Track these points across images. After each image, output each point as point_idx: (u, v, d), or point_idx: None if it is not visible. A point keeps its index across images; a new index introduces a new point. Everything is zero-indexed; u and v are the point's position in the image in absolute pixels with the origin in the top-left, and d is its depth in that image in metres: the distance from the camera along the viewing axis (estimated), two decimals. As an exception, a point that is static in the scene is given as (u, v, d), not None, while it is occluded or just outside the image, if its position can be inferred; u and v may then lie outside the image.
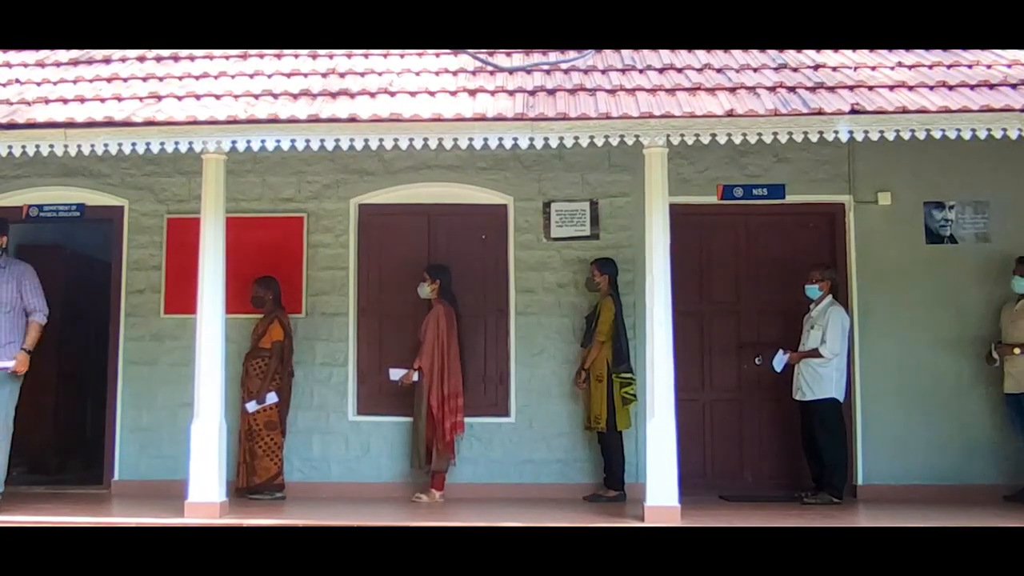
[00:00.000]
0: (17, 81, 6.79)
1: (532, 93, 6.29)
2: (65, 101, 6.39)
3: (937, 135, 5.95)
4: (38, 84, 6.70)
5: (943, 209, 7.69)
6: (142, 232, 7.95)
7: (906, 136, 5.95)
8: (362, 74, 6.65)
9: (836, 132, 5.97)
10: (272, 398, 7.36)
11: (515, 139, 6.03)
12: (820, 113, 5.91)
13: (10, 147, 6.19)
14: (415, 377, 7.23)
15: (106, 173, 7.95)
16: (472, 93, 6.33)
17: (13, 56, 7.20)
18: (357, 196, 7.91)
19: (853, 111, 5.90)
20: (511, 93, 6.31)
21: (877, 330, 7.56)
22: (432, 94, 6.32)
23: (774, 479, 7.62)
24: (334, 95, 6.32)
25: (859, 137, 5.98)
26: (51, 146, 6.15)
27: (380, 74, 6.64)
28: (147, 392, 7.79)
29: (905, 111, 5.90)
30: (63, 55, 7.15)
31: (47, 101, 6.40)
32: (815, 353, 7.09)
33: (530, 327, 7.70)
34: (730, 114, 5.93)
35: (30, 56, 7.16)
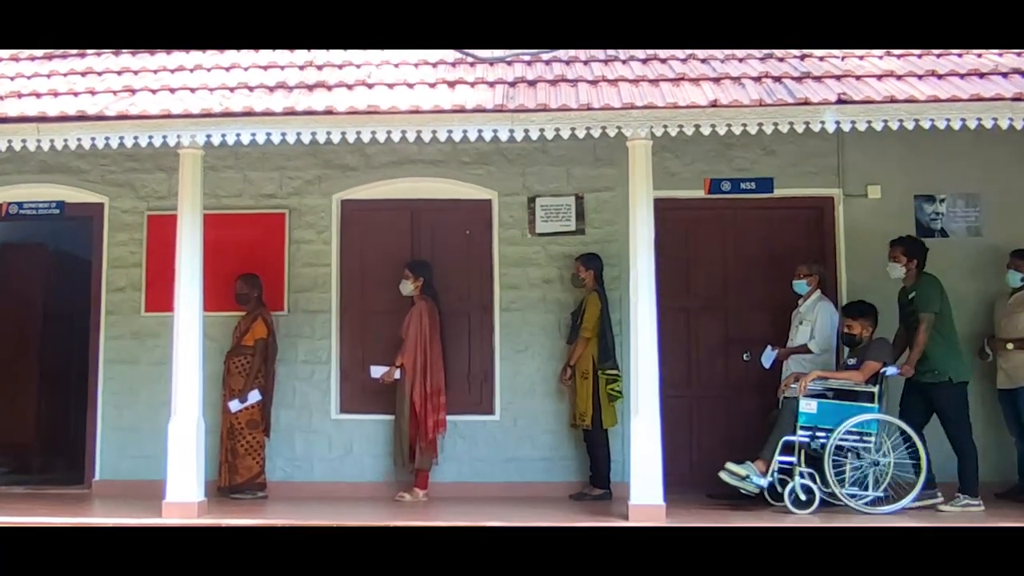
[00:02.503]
0: (-10, 75, 6.69)
1: (513, 84, 6.19)
2: (38, 95, 6.29)
3: (926, 125, 5.84)
4: (11, 79, 6.60)
5: (934, 202, 7.58)
6: (122, 229, 7.86)
7: (894, 126, 5.84)
8: (340, 66, 6.55)
9: (822, 122, 5.85)
10: (255, 396, 7.27)
11: (495, 131, 5.92)
12: (806, 103, 5.80)
13: (-18, 142, 6.10)
14: (396, 375, 7.13)
15: (85, 170, 7.86)
16: (452, 85, 6.22)
17: (-13, 51, 7.10)
18: (339, 192, 7.81)
19: (840, 101, 5.80)
20: (491, 84, 6.21)
21: (867, 325, 7.43)
22: (411, 86, 6.22)
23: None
24: (311, 87, 6.23)
25: (846, 127, 5.86)
26: (23, 141, 6.06)
27: (358, 66, 6.54)
28: (128, 391, 7.70)
29: (893, 100, 5.80)
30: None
31: (20, 95, 6.30)
32: (804, 349, 6.99)
33: (515, 324, 7.60)
34: (714, 104, 5.82)
35: (3, 51, 7.04)
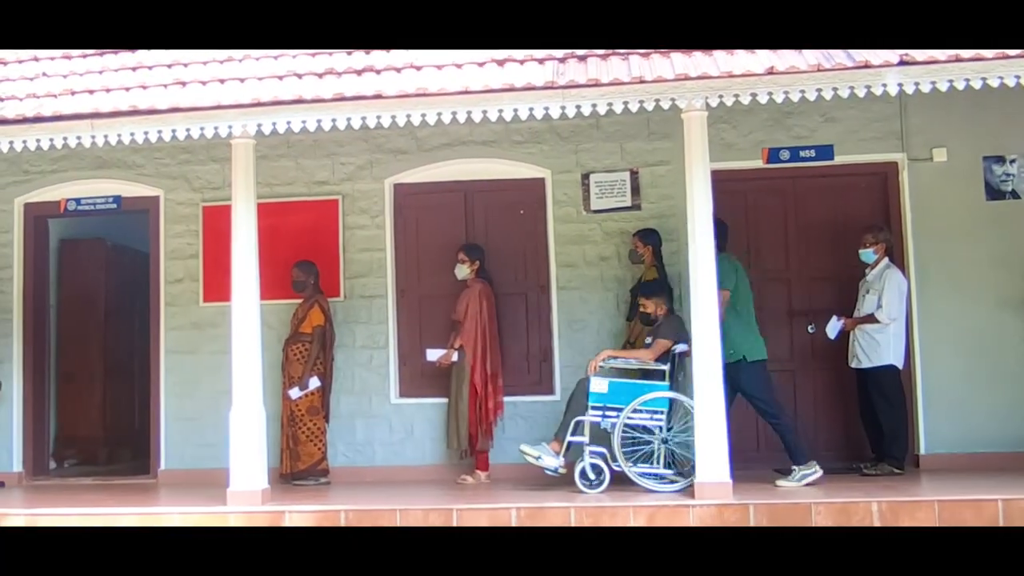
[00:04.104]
0: (44, 74, 6.75)
1: (562, 60, 6.06)
2: (91, 92, 6.34)
3: (995, 83, 5.56)
4: (64, 76, 6.65)
5: (1004, 163, 7.30)
6: (178, 221, 7.93)
7: (960, 86, 5.58)
8: (387, 49, 6.47)
9: (884, 85, 5.61)
10: (315, 383, 7.29)
11: (546, 108, 5.80)
12: (867, 66, 5.56)
13: (38, 140, 6.15)
14: (455, 357, 7.09)
15: (140, 163, 7.94)
16: (500, 63, 6.11)
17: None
18: (392, 176, 7.78)
19: (902, 62, 5.54)
20: (541, 61, 6.08)
21: (936, 293, 7.23)
22: (459, 66, 6.12)
23: (831, 450, 7.31)
24: (359, 72, 6.16)
25: (909, 89, 5.62)
26: (78, 138, 6.09)
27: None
28: (190, 381, 7.79)
29: (959, 59, 5.52)
30: (88, 45, 7.09)
31: (73, 92, 6.35)
32: (871, 319, 6.79)
33: (572, 302, 7.52)
34: (771, 72, 5.62)
35: (55, 49, 7.10)
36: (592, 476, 6.25)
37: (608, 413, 6.33)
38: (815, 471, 6.31)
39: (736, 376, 6.43)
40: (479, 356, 7.07)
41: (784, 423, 6.45)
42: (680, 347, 6.44)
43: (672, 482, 6.24)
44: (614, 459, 6.26)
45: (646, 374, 6.46)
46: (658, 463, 6.29)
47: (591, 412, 6.34)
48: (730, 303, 6.48)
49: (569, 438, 6.37)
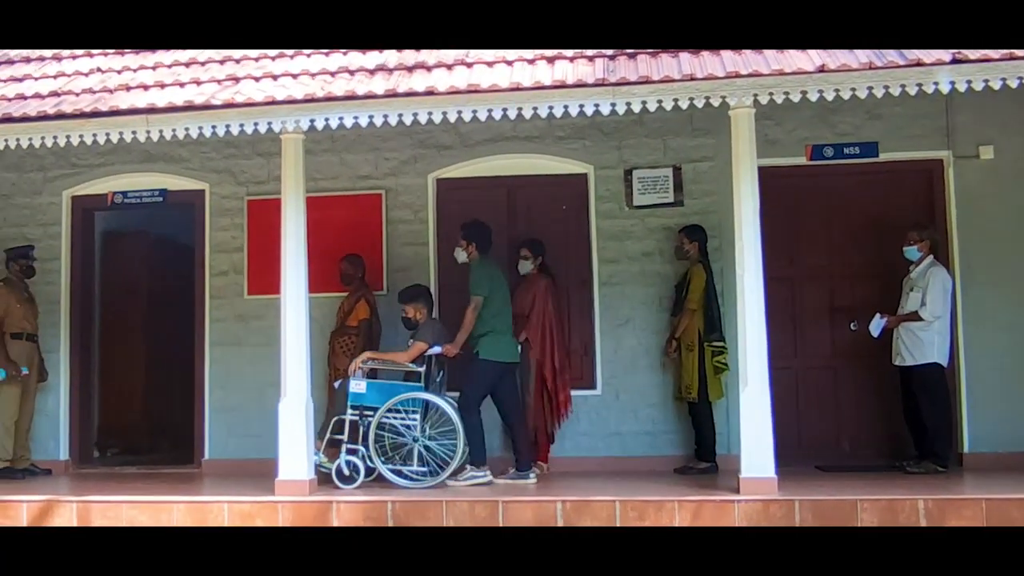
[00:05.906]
0: (99, 70, 6.83)
1: (612, 58, 6.08)
2: (146, 87, 6.42)
3: (1050, 81, 5.58)
4: (119, 72, 6.74)
5: (1051, 161, 7.29)
6: (223, 215, 8.02)
7: (1014, 84, 5.56)
8: (438, 47, 6.50)
9: (936, 84, 5.61)
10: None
11: (596, 105, 5.83)
12: (919, 64, 5.56)
13: (95, 135, 6.24)
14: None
15: (186, 158, 8.02)
16: (550, 60, 6.14)
17: (93, 44, 7.25)
18: (435, 171, 7.84)
19: (955, 60, 5.54)
20: (590, 58, 6.11)
21: (982, 290, 7.22)
22: (509, 63, 6.16)
23: (873, 448, 7.35)
24: (410, 69, 6.21)
25: (962, 88, 5.61)
26: (134, 132, 6.18)
27: (456, 45, 6.50)
28: (234, 373, 7.88)
29: (1013, 57, 5.51)
30: (141, 40, 7.17)
31: (128, 88, 6.43)
32: (915, 316, 6.79)
33: (614, 297, 7.56)
34: (822, 70, 5.62)
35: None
36: (347, 472, 6.45)
37: (366, 413, 6.55)
38: (485, 475, 6.54)
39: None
40: (548, 350, 7.14)
41: (469, 423, 6.60)
42: (435, 349, 6.66)
43: (421, 479, 6.43)
44: (370, 456, 6.46)
45: (406, 376, 6.66)
46: (411, 461, 6.48)
47: (350, 412, 6.55)
48: (482, 307, 6.70)
49: (330, 435, 6.60)
